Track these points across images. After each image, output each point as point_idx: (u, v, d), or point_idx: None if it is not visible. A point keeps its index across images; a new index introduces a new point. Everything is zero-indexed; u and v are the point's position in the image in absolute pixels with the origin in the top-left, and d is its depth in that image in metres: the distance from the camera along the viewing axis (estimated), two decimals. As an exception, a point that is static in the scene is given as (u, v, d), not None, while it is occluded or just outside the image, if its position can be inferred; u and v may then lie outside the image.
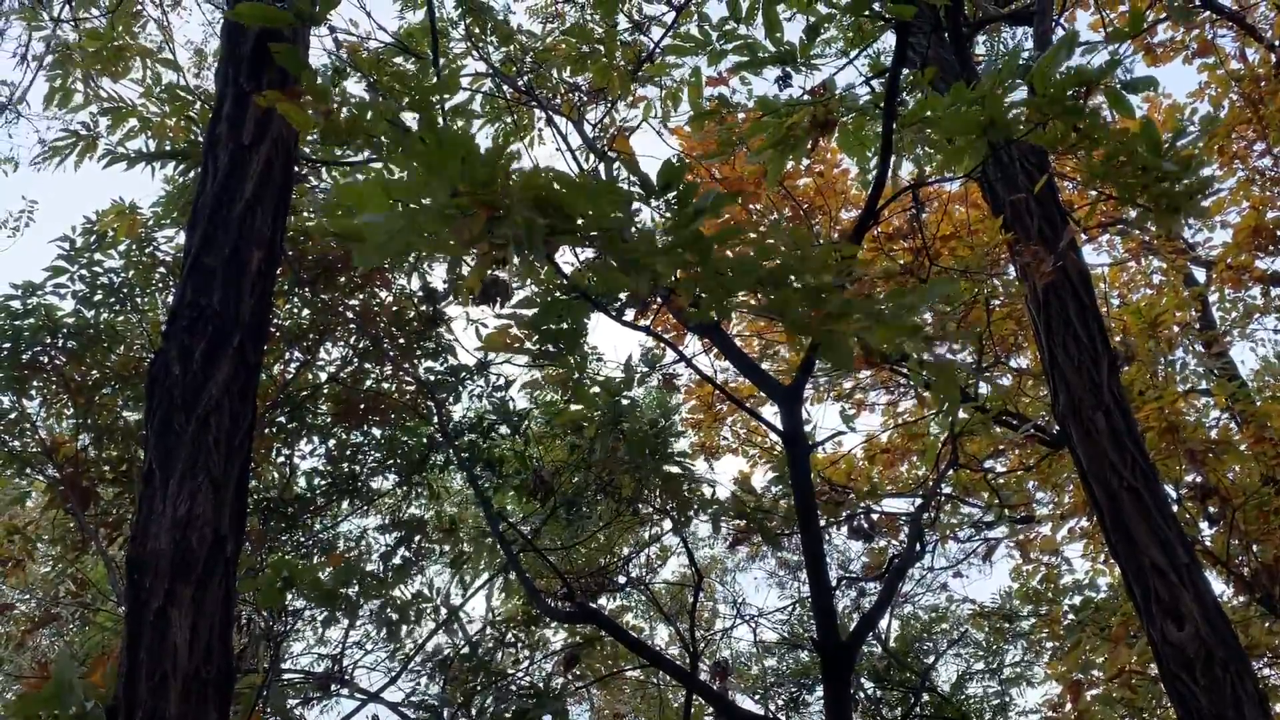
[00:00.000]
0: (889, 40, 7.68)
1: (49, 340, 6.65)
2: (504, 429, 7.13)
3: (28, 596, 10.55)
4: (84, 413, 6.78)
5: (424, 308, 6.97)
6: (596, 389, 5.85)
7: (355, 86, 7.50)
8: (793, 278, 2.86)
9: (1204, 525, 8.29)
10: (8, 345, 6.58)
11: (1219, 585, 8.12)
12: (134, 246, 7.01)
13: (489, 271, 3.19)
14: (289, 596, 5.68)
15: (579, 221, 2.59)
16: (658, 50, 7.45)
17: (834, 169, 10.65)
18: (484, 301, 5.04)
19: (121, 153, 6.98)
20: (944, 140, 3.89)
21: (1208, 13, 8.76)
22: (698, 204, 2.88)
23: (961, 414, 7.07)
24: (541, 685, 7.22)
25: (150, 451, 3.35)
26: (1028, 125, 3.69)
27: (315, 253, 6.67)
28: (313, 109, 3.24)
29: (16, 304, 6.65)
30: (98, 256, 6.91)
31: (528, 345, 4.73)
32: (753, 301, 2.99)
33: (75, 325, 6.73)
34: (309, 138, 3.42)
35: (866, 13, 4.43)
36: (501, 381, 7.19)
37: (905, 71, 5.38)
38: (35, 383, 6.80)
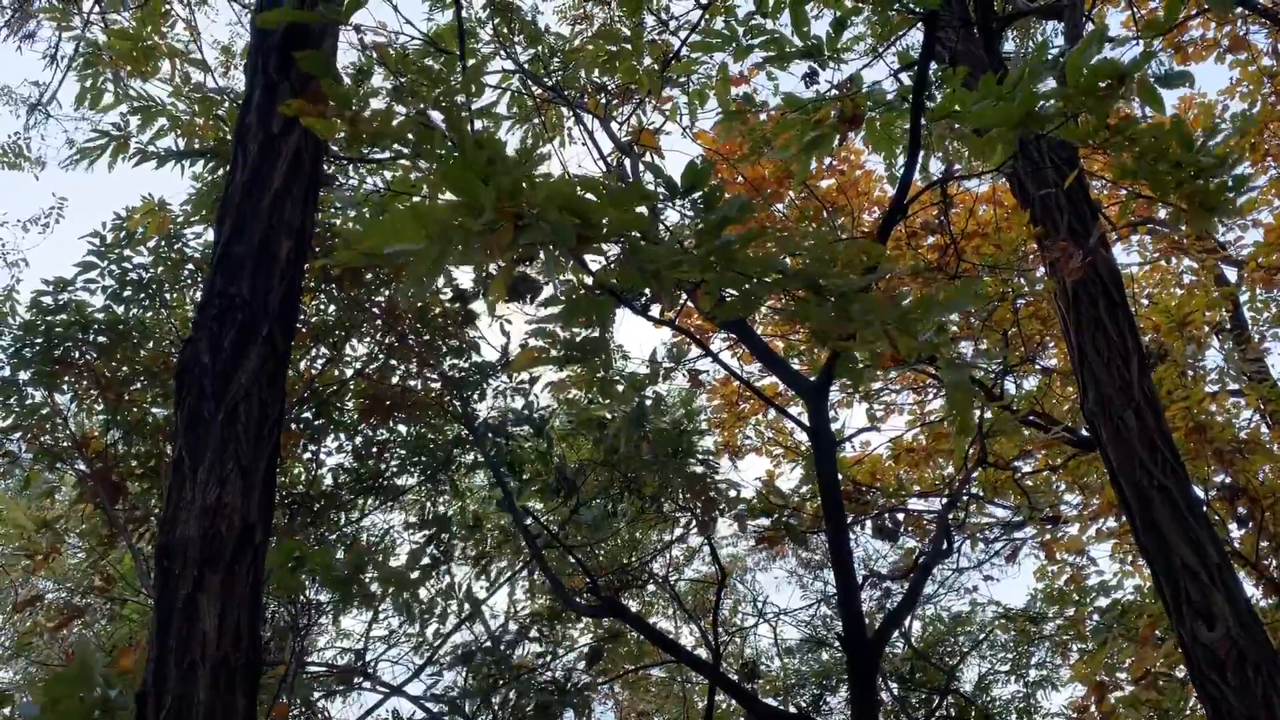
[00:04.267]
0: (918, 37, 7.64)
1: (80, 336, 6.72)
2: (527, 429, 7.11)
3: (57, 589, 10.66)
4: (114, 408, 6.85)
5: (451, 305, 6.98)
6: (621, 384, 5.84)
7: (384, 82, 7.53)
8: (819, 279, 2.84)
9: (1233, 526, 8.20)
10: (40, 341, 6.65)
11: (1249, 587, 8.02)
12: (163, 243, 7.08)
13: (517, 270, 3.19)
14: (313, 591, 5.70)
15: (604, 228, 2.59)
16: (684, 48, 7.43)
17: (857, 170, 10.61)
18: (513, 299, 5.04)
19: (151, 151, 7.05)
20: (973, 133, 3.84)
21: (1240, 8, 8.66)
22: (723, 208, 2.86)
23: (988, 414, 7.00)
24: (563, 680, 7.22)
25: (179, 440, 3.36)
26: (1059, 118, 3.65)
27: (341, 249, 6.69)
28: (336, 115, 3.24)
29: (48, 300, 6.74)
30: (127, 253, 6.99)
31: (553, 354, 4.74)
32: (777, 304, 2.98)
33: (105, 321, 6.79)
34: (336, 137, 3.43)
35: (895, 6, 4.39)
36: (526, 379, 7.19)
37: (934, 66, 5.34)
38: (66, 378, 6.87)
